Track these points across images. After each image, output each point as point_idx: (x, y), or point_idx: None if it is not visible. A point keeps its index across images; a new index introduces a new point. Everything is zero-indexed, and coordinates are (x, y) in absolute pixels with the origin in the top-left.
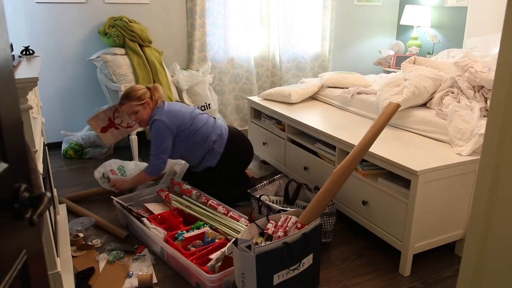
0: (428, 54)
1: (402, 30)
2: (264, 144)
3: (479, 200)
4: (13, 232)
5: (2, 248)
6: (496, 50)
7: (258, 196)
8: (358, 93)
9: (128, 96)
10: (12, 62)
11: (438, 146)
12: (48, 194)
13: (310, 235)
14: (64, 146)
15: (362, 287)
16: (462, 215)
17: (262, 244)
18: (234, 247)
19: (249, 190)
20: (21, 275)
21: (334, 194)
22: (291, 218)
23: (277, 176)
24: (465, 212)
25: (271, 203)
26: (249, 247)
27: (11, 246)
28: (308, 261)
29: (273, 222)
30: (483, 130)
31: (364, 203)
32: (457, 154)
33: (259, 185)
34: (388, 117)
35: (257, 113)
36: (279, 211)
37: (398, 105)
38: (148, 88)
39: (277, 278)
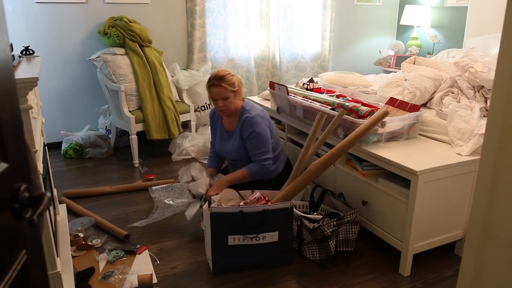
0: (428, 54)
1: (402, 30)
2: None
3: (479, 200)
4: (13, 232)
5: (2, 248)
6: (496, 50)
7: None
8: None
9: (222, 78)
10: (12, 62)
11: (438, 146)
12: (48, 194)
13: (274, 213)
14: (64, 146)
15: (362, 287)
16: (462, 215)
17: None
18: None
19: None
20: (21, 275)
21: (308, 183)
22: (256, 193)
23: None
24: (465, 212)
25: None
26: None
27: (11, 246)
28: (271, 237)
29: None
30: (483, 130)
31: (364, 203)
32: (457, 154)
33: None
34: (375, 122)
35: None
36: (299, 217)
37: (387, 112)
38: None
39: (232, 240)
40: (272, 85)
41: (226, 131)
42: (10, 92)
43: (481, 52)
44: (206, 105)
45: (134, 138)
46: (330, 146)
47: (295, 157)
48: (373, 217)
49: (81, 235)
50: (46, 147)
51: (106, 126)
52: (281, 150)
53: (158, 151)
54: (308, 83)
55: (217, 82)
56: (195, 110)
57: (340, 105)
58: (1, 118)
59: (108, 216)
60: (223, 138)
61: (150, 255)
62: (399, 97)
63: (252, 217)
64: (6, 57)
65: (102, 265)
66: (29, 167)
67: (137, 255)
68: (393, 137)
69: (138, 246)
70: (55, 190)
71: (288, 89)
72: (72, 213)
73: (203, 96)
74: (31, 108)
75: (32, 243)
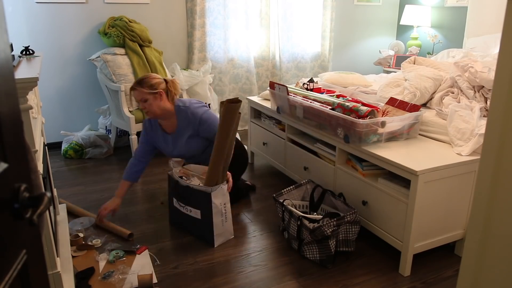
0: (428, 54)
1: (402, 30)
2: (264, 144)
3: (479, 200)
4: (13, 232)
5: (2, 248)
6: (496, 50)
7: (281, 200)
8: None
9: (141, 82)
10: (12, 62)
11: (438, 146)
12: (48, 194)
13: (195, 192)
14: (64, 146)
15: (362, 287)
16: (462, 215)
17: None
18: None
19: (274, 195)
20: (21, 275)
21: (218, 163)
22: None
23: (303, 181)
24: (465, 212)
25: (292, 208)
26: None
27: (11, 246)
28: (195, 213)
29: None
30: (483, 130)
31: (364, 203)
32: (457, 154)
33: (285, 190)
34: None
35: (257, 113)
36: (299, 217)
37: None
38: (166, 80)
39: (174, 201)
40: (272, 85)
41: (168, 134)
42: (10, 92)
43: (481, 52)
44: (206, 105)
45: (134, 138)
46: (331, 146)
47: (295, 157)
48: (373, 217)
49: (81, 235)
50: (46, 147)
51: (106, 126)
52: None
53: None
54: (308, 83)
55: (134, 86)
56: None
57: (340, 105)
58: (1, 118)
59: (108, 216)
60: (168, 142)
61: (150, 255)
62: (399, 97)
63: (183, 189)
64: (6, 57)
65: (102, 265)
66: (29, 167)
67: (137, 255)
68: (393, 137)
69: (138, 246)
70: (55, 190)
71: (288, 89)
72: (72, 213)
73: (203, 96)
74: (31, 108)
75: (32, 243)
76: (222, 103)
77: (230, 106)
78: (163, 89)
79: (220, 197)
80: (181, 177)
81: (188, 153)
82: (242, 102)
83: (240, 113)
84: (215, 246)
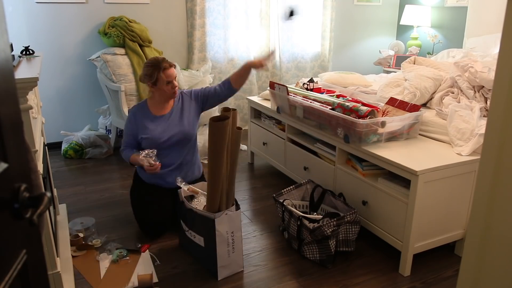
0: (428, 54)
1: (402, 30)
2: (264, 144)
3: (479, 200)
4: (13, 232)
5: (2, 248)
6: (496, 50)
7: (281, 200)
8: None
9: (171, 63)
10: (12, 62)
11: (438, 146)
12: (48, 194)
13: (199, 217)
14: (64, 146)
15: (362, 287)
16: (462, 215)
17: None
18: None
19: (274, 195)
20: (21, 275)
21: (216, 190)
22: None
23: (303, 181)
24: (465, 212)
25: (292, 208)
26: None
27: (11, 246)
28: (199, 240)
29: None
30: (483, 130)
31: (364, 203)
32: (457, 154)
33: (285, 190)
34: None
35: (257, 113)
36: (299, 217)
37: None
38: None
39: (182, 223)
40: (272, 85)
41: (160, 116)
42: (10, 92)
43: (481, 52)
44: None
45: None
46: (331, 146)
47: (295, 157)
48: (373, 217)
49: (81, 235)
50: (46, 147)
51: (106, 126)
52: None
53: None
54: (308, 83)
55: (168, 64)
56: None
57: (340, 105)
58: (1, 118)
59: (108, 216)
60: (159, 123)
61: (150, 255)
62: (399, 97)
63: (187, 212)
64: (6, 57)
65: (102, 264)
66: (29, 167)
67: (142, 253)
68: (393, 137)
69: (140, 245)
70: (55, 190)
71: (288, 89)
72: (72, 213)
73: None
74: (31, 108)
75: (32, 243)
76: (223, 113)
77: (215, 125)
78: None
79: (226, 224)
80: (190, 196)
81: (191, 129)
82: (236, 112)
83: (240, 128)
84: (219, 279)
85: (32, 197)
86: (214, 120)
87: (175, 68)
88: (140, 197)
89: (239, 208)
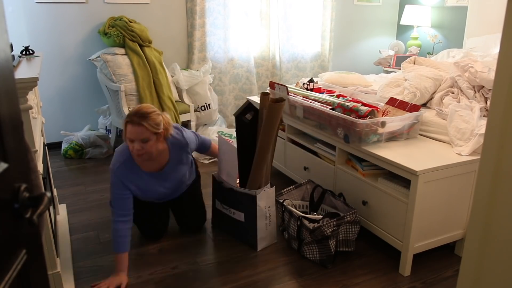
0: (428, 54)
1: (402, 30)
2: None
3: (479, 200)
4: (13, 232)
5: (2, 248)
6: (496, 50)
7: (281, 200)
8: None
9: (145, 116)
10: (12, 62)
11: (438, 146)
12: (48, 194)
13: (239, 195)
14: (64, 146)
15: (362, 287)
16: (462, 215)
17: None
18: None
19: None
20: (21, 275)
21: (260, 167)
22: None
23: (303, 181)
24: (465, 212)
25: (292, 208)
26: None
27: (11, 246)
28: (239, 216)
29: None
30: (483, 130)
31: (364, 203)
32: (457, 154)
33: (285, 190)
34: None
35: None
36: (299, 217)
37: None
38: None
39: (217, 203)
40: (272, 85)
41: (156, 172)
42: (10, 92)
43: (481, 52)
44: (206, 105)
45: None
46: (331, 146)
47: (295, 157)
48: (373, 217)
49: None
50: (46, 147)
51: (106, 126)
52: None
53: None
54: (308, 83)
55: (137, 120)
56: (195, 110)
57: (340, 105)
58: (1, 118)
59: (108, 216)
60: (152, 181)
61: None
62: (399, 97)
63: (227, 191)
64: (6, 57)
65: None
66: (29, 167)
67: None
68: (393, 137)
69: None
70: (55, 190)
71: (288, 89)
72: (72, 213)
73: (203, 96)
74: (31, 108)
75: (32, 243)
76: (263, 96)
77: (274, 106)
78: (166, 129)
79: (265, 200)
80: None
81: (179, 181)
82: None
83: (282, 120)
84: (258, 250)
85: (32, 197)
86: (273, 101)
87: (147, 129)
88: (136, 214)
89: (273, 186)
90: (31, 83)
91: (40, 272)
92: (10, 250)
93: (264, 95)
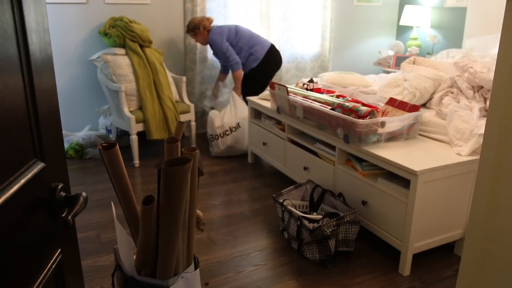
0: (427, 54)
1: (401, 30)
2: (264, 144)
3: (478, 200)
4: (49, 231)
5: (38, 246)
6: (495, 50)
7: (281, 200)
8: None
9: (188, 29)
10: (52, 61)
11: (437, 146)
12: (84, 194)
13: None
14: (64, 146)
15: (362, 287)
16: (462, 215)
17: None
18: None
19: (274, 195)
20: (55, 273)
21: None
22: None
23: (303, 181)
24: (465, 212)
25: (292, 208)
26: None
27: (47, 244)
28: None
29: None
30: (482, 130)
31: (364, 203)
32: (457, 154)
33: (285, 190)
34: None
35: (257, 113)
36: (299, 217)
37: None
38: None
39: None
40: (272, 85)
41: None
42: (50, 90)
43: (481, 52)
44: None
45: (134, 138)
46: (330, 146)
47: (295, 157)
48: (373, 217)
49: None
50: None
51: (106, 126)
52: (255, 47)
53: (158, 151)
54: (308, 83)
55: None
56: (195, 110)
57: (340, 105)
58: (41, 117)
59: (108, 216)
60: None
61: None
62: (399, 97)
63: (128, 281)
64: (48, 56)
65: None
66: (65, 167)
67: None
68: (393, 137)
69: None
70: None
71: (288, 89)
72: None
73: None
74: None
75: (67, 243)
76: (160, 165)
77: (172, 171)
78: (199, 28)
79: None
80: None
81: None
82: (197, 152)
83: (202, 172)
84: None
85: (68, 197)
86: (169, 164)
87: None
88: None
89: (198, 267)
90: None
91: (74, 271)
92: (45, 248)
93: (178, 127)
